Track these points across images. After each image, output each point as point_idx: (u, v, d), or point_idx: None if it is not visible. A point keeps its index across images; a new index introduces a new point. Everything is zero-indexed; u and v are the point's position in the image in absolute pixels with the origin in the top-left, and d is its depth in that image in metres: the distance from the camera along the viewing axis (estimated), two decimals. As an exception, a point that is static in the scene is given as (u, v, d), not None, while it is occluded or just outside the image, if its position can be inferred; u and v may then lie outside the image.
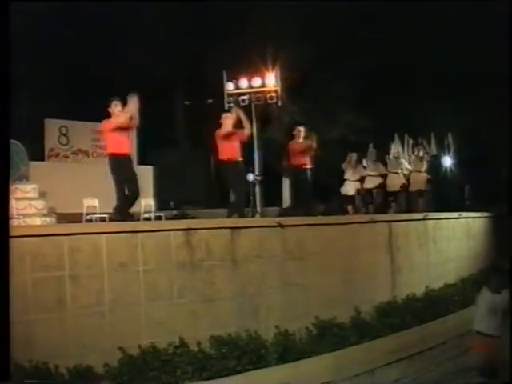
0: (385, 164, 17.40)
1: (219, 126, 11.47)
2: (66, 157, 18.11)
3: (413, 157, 17.53)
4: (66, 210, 13.32)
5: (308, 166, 13.36)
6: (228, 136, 11.28)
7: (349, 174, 17.31)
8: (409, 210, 16.47)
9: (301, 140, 13.46)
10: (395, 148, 17.40)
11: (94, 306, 7.17)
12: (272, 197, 20.41)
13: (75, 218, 11.79)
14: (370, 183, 17.26)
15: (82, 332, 7.02)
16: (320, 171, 20.66)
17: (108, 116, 10.19)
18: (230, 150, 11.31)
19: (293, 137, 13.63)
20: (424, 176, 17.24)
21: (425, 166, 17.30)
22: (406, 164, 17.46)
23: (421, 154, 17.36)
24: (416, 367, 8.99)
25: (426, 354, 9.63)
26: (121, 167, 9.94)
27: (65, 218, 12.35)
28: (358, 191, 17.27)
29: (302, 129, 13.54)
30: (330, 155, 19.43)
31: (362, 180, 17.39)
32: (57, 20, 17.72)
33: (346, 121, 22.59)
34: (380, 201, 17.38)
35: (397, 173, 17.21)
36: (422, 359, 9.38)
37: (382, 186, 17.24)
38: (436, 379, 8.80)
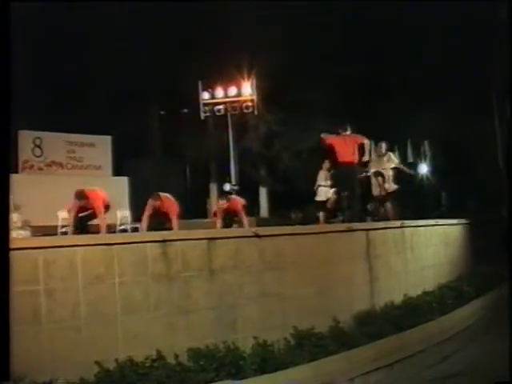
0: None
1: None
2: (40, 169, 17.90)
3: (374, 157, 16.34)
4: (40, 223, 13.17)
5: None
6: None
7: (321, 180, 17.12)
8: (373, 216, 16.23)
9: None
10: None
11: (70, 319, 7.07)
12: (249, 206, 20.34)
13: (50, 231, 11.66)
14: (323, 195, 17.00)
15: (58, 346, 6.92)
16: (297, 180, 20.80)
17: None
18: None
19: None
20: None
21: (387, 165, 16.26)
22: None
23: (382, 152, 16.36)
24: (395, 375, 8.97)
25: (405, 361, 9.60)
26: None
27: (40, 231, 12.21)
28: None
29: None
30: (306, 164, 19.47)
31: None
32: (32, 29, 17.58)
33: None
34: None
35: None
36: (402, 367, 9.36)
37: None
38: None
